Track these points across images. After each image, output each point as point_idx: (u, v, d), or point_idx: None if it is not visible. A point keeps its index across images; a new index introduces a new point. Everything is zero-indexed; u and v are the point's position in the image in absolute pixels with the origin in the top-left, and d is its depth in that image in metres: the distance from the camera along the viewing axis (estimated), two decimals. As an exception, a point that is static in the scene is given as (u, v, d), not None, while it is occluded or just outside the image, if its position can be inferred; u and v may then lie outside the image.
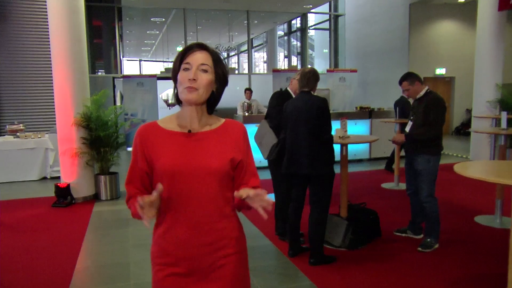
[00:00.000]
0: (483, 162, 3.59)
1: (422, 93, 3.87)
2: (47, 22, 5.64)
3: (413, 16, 13.18)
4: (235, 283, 1.46)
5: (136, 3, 12.35)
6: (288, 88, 4.06)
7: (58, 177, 6.56)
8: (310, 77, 3.51)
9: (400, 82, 3.95)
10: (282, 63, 20.33)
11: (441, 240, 4.00)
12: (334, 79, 10.96)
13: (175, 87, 1.45)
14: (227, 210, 1.45)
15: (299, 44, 17.91)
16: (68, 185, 5.73)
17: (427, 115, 3.75)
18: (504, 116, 4.86)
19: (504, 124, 4.77)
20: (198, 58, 1.40)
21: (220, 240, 1.44)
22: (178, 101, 1.46)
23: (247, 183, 1.48)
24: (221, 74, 1.46)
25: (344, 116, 4.74)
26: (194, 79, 1.37)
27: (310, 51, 19.29)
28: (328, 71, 11.29)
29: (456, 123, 14.29)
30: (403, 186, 5.55)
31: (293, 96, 3.95)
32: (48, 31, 5.70)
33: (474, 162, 3.71)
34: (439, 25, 13.59)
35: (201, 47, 1.42)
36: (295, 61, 18.92)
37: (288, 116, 3.60)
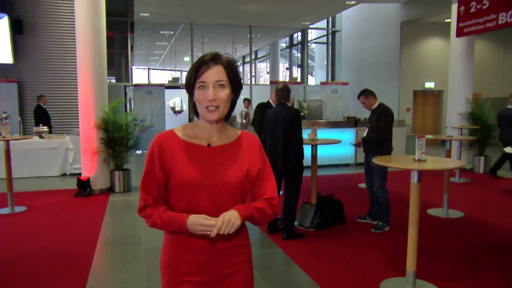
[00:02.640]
0: (399, 156, 4.34)
1: (375, 105, 4.85)
2: (71, 37, 6.72)
3: (404, 33, 14.15)
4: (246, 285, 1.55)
5: (147, 18, 13.45)
6: (270, 100, 5.06)
7: (77, 174, 7.60)
8: (283, 92, 4.49)
9: (358, 97, 4.93)
10: (283, 74, 21.38)
11: (393, 225, 4.94)
12: (327, 91, 11.97)
13: (191, 100, 1.46)
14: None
15: (300, 56, 18.96)
16: (88, 178, 6.75)
17: (378, 123, 4.73)
18: (449, 126, 5.88)
19: (449, 132, 5.80)
20: (213, 75, 1.38)
21: (234, 248, 1.49)
22: (196, 113, 1.47)
23: (264, 194, 1.53)
24: (237, 84, 1.45)
25: (314, 123, 5.70)
26: (214, 99, 1.38)
27: (311, 62, 20.35)
28: (321, 83, 12.31)
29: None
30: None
31: (273, 106, 4.95)
32: (71, 46, 6.77)
33: (392, 156, 4.51)
34: (428, 42, 14.54)
35: (215, 60, 1.40)
36: (296, 72, 19.95)
37: (268, 122, 4.59)
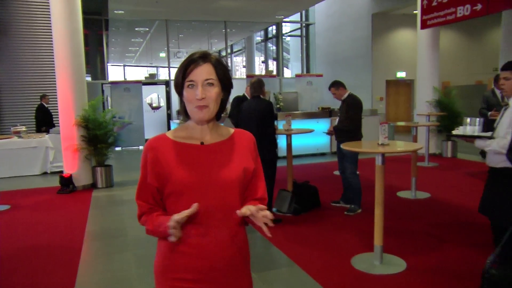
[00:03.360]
0: (364, 142, 4.66)
1: (345, 95, 5.16)
2: (47, 37, 6.81)
3: (375, 25, 14.56)
4: None
5: (122, 15, 13.47)
6: (245, 93, 5.32)
7: (58, 172, 7.70)
8: (256, 86, 4.75)
9: (329, 88, 5.23)
10: (260, 68, 21.62)
11: (365, 208, 5.28)
12: (302, 83, 12.28)
13: (181, 100, 1.44)
14: (241, 220, 1.47)
15: (275, 49, 19.22)
16: (71, 175, 6.88)
17: (348, 112, 5.04)
18: (415, 113, 6.27)
19: (416, 119, 6.18)
20: (202, 73, 1.37)
21: (237, 250, 1.47)
22: (186, 114, 1.45)
23: (256, 193, 1.52)
24: (227, 82, 1.44)
25: (288, 114, 5.99)
26: (203, 98, 1.36)
27: (287, 55, 20.66)
28: (297, 76, 12.63)
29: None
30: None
31: (248, 99, 5.21)
32: (47, 46, 6.86)
33: (358, 142, 4.83)
34: (398, 33, 15.01)
35: (203, 59, 1.39)
36: (271, 65, 20.21)
37: (243, 114, 4.84)
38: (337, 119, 5.32)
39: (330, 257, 3.89)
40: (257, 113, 4.64)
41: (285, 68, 20.67)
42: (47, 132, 9.15)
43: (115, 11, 12.73)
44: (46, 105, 9.81)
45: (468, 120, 3.11)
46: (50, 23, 6.96)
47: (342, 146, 3.84)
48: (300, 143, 9.43)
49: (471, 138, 2.94)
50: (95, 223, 5.22)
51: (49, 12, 7.09)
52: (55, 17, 6.67)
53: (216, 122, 1.48)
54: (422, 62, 9.38)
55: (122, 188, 7.14)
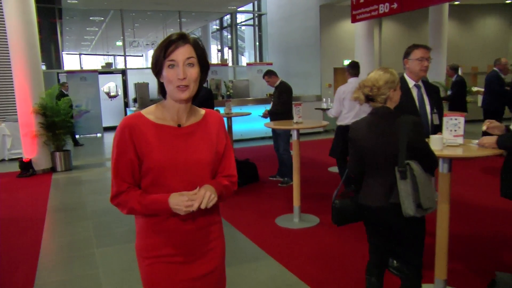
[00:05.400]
0: (284, 121, 5.53)
1: (277, 83, 5.95)
2: (1, 29, 7.15)
3: (323, 16, 15.43)
4: (222, 262, 1.65)
5: (76, 5, 13.64)
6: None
7: (16, 159, 8.09)
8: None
9: (263, 77, 5.99)
10: (216, 56, 22.15)
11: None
12: (253, 71, 13.01)
13: (159, 80, 1.44)
14: None
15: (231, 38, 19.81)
16: (30, 160, 7.33)
17: (280, 97, 5.83)
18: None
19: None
20: (183, 53, 1.38)
21: (209, 225, 1.56)
22: (163, 93, 1.47)
23: (224, 171, 1.58)
24: (205, 64, 1.46)
25: (228, 100, 6.72)
26: (184, 78, 1.38)
27: (241, 43, 21.28)
28: (248, 64, 13.34)
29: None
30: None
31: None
32: (1, 37, 7.20)
33: (279, 121, 5.71)
34: (344, 24, 15.91)
35: (183, 39, 1.40)
36: (227, 53, 20.80)
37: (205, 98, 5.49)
38: (272, 103, 6.10)
39: (258, 217, 4.69)
40: (198, 99, 5.33)
41: (242, 57, 21.34)
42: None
43: (68, 1, 12.91)
44: (65, 92, 10.37)
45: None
46: (3, 15, 7.30)
47: (265, 124, 4.62)
48: (250, 127, 10.20)
49: None
50: (56, 199, 5.78)
51: (0, 4, 7.44)
52: (9, 8, 7.03)
53: (191, 104, 1.51)
54: (359, 52, 10.33)
55: (80, 170, 7.67)
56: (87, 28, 18.80)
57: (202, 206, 1.37)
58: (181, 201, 1.36)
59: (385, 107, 2.18)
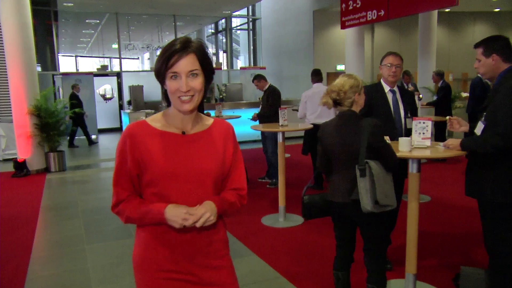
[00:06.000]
0: (270, 124, 5.58)
1: (266, 87, 6.13)
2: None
3: (316, 21, 15.67)
4: (231, 284, 1.52)
5: (71, 8, 13.78)
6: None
7: (10, 159, 8.21)
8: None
9: (252, 81, 6.17)
10: (212, 59, 22.30)
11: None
12: (246, 75, 13.21)
13: (163, 87, 1.41)
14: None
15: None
16: (24, 160, 7.46)
17: (268, 100, 6.01)
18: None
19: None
20: (186, 65, 1.34)
21: (214, 242, 1.48)
22: (167, 101, 1.43)
23: (233, 184, 1.53)
24: (209, 70, 1.41)
25: (218, 104, 6.88)
26: (188, 90, 1.34)
27: (237, 47, 21.49)
28: (241, 68, 13.55)
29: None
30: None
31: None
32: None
33: (265, 124, 5.79)
34: (337, 29, 16.08)
35: (186, 49, 1.35)
36: (222, 57, 20.99)
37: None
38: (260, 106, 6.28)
39: (245, 216, 4.85)
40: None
41: (238, 60, 21.55)
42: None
43: (64, 4, 13.05)
44: (77, 94, 10.84)
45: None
46: None
47: (251, 127, 4.79)
48: (242, 130, 10.35)
49: None
50: (49, 198, 5.92)
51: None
52: (4, 12, 7.17)
53: (197, 112, 1.46)
54: (349, 57, 10.53)
55: (74, 171, 7.80)
56: (83, 31, 18.93)
57: (198, 225, 1.33)
58: (179, 213, 1.32)
59: (350, 110, 2.36)
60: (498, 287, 2.59)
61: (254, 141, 10.94)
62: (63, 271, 3.56)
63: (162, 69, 1.36)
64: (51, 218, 5.13)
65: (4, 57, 7.49)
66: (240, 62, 21.45)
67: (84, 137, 11.77)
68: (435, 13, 11.32)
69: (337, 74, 16.54)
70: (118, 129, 14.19)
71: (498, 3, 14.39)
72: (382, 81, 3.34)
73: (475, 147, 2.51)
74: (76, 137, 12.63)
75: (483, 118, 2.55)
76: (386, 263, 3.36)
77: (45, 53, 15.18)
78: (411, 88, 8.89)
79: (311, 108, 5.63)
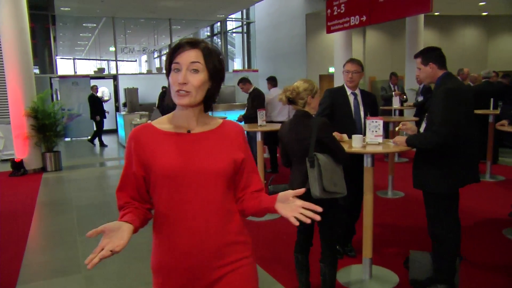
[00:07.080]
0: (252, 124, 6.20)
1: (251, 89, 6.47)
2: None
3: (309, 24, 16.01)
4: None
5: (68, 12, 14.13)
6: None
7: (8, 159, 8.53)
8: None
9: (238, 84, 6.50)
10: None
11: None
12: (239, 78, 13.53)
13: (169, 87, 1.39)
14: (232, 212, 1.42)
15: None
16: (22, 160, 7.79)
17: (253, 102, 6.34)
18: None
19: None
20: (188, 57, 1.32)
21: (225, 246, 1.39)
22: (173, 103, 1.39)
23: (255, 185, 1.48)
24: (215, 70, 1.37)
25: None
26: (185, 83, 1.31)
27: (233, 49, 21.84)
28: (234, 71, 13.87)
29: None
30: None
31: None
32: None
33: (248, 124, 6.26)
34: (330, 32, 16.57)
35: (192, 44, 1.34)
36: (218, 60, 21.30)
37: (164, 105, 6.00)
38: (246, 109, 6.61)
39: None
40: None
41: (234, 63, 21.89)
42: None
43: (61, 8, 13.39)
44: (95, 95, 11.44)
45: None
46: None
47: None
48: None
49: None
50: (45, 195, 6.25)
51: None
52: (2, 16, 7.49)
53: (203, 111, 1.44)
54: (338, 60, 10.87)
55: (70, 171, 8.13)
56: (81, 34, 19.28)
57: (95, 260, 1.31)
58: (101, 243, 1.34)
59: (304, 110, 2.69)
60: (440, 268, 2.92)
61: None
62: (55, 259, 3.89)
63: (167, 63, 1.38)
64: (46, 212, 5.46)
65: (2, 61, 7.83)
66: (236, 64, 21.79)
67: (85, 138, 12.14)
68: (421, 17, 11.67)
69: (330, 77, 16.91)
70: (114, 131, 14.51)
71: (486, 8, 14.74)
72: (345, 85, 3.67)
73: (417, 143, 2.85)
74: (75, 138, 13.04)
75: (425, 118, 2.89)
76: (350, 250, 3.70)
77: (43, 56, 15.50)
78: (396, 92, 9.15)
79: (270, 109, 6.78)
